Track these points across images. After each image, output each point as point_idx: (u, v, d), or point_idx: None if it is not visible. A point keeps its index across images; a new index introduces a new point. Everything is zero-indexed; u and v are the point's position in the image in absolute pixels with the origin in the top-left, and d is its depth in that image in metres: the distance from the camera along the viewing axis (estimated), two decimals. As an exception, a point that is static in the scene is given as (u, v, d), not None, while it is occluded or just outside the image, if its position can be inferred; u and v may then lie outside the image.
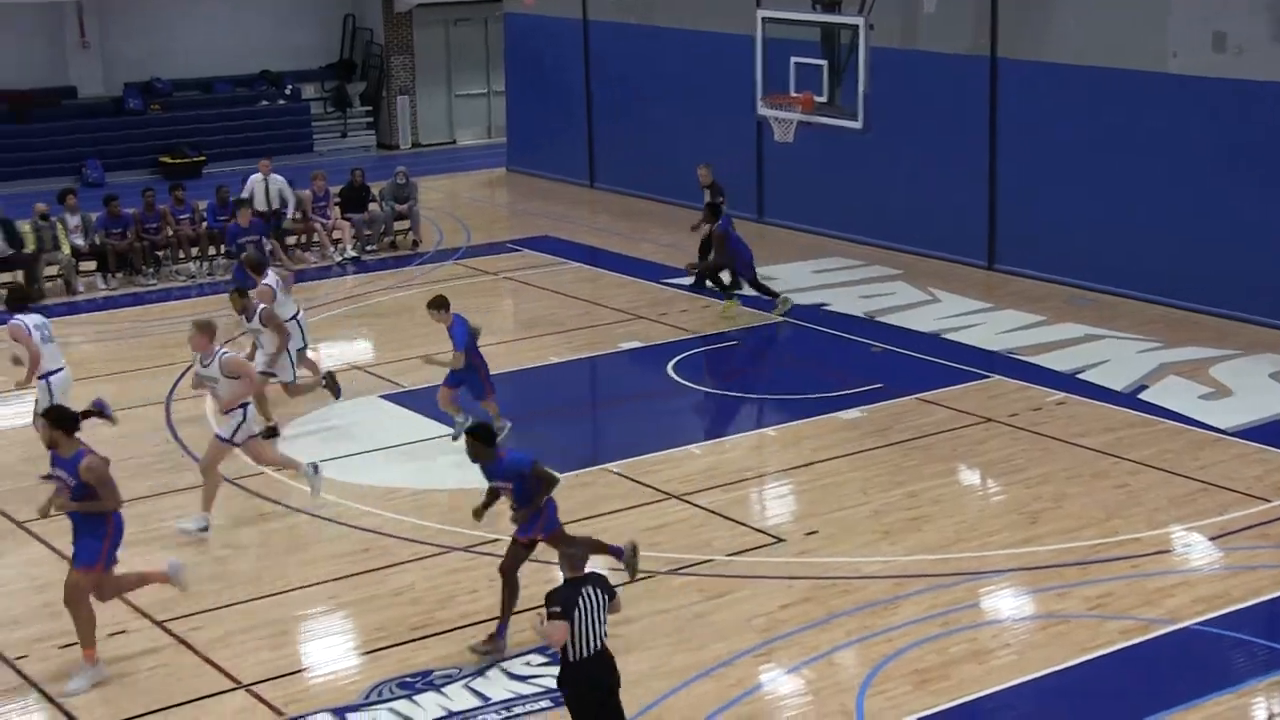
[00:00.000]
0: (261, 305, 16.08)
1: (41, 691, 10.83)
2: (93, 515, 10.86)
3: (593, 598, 9.01)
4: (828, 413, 16.58)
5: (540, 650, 11.20)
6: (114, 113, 33.33)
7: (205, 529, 13.53)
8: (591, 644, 8.99)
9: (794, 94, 20.90)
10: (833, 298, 21.29)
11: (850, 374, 17.95)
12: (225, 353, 13.92)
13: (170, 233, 23.74)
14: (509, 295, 22.38)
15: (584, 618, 8.93)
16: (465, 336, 15.21)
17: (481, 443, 11.17)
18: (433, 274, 23.41)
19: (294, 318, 16.96)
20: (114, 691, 10.81)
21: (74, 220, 23.06)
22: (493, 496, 11.54)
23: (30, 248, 22.51)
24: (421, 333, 19.70)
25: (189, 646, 11.47)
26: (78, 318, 21.49)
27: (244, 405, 13.79)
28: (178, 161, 32.08)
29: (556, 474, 11.53)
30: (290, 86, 35.57)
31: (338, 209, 24.98)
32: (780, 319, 20.20)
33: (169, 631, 11.72)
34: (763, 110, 21.27)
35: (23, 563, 13.14)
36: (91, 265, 23.18)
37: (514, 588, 11.27)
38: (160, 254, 23.71)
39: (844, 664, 11.07)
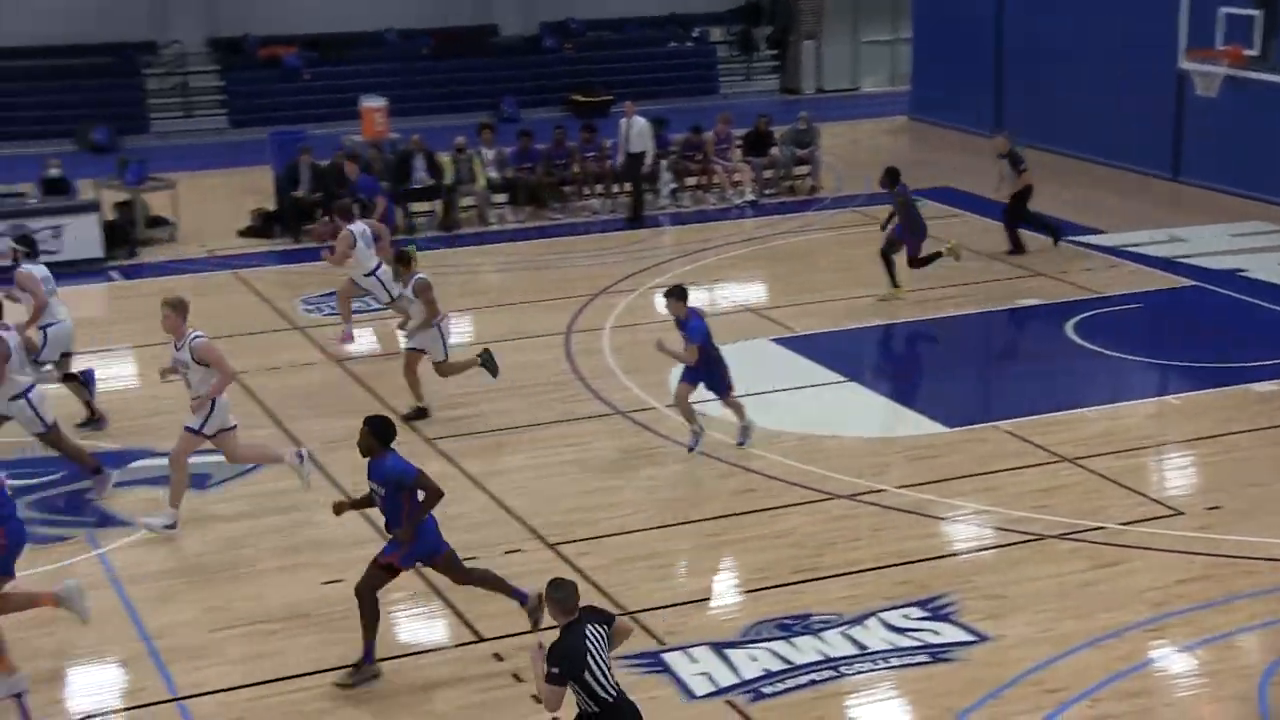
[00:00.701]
0: (417, 275, 14.99)
1: (444, 599, 11.42)
2: None
3: (596, 634, 8.20)
4: (1238, 383, 15.71)
5: (920, 603, 11.09)
6: (530, 51, 34.55)
7: (173, 525, 12.58)
8: (612, 681, 8.17)
9: (1220, 47, 19.79)
10: (1251, 263, 20.14)
11: (1266, 344, 16.97)
12: (198, 336, 12.52)
13: (577, 169, 24.50)
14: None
15: (597, 658, 8.12)
16: (703, 330, 13.81)
17: (374, 436, 10.15)
18: (831, 220, 23.35)
19: (374, 273, 17.09)
20: (503, 606, 11.25)
21: (489, 154, 24.04)
22: (366, 501, 10.54)
23: (448, 179, 23.62)
24: (819, 279, 19.74)
25: (578, 570, 11.85)
26: (487, 248, 22.48)
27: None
28: (587, 100, 32.99)
29: (440, 491, 10.28)
30: (698, 29, 36.03)
31: (739, 151, 25.20)
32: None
33: (560, 554, 12.15)
34: (1185, 63, 20.25)
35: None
36: (503, 198, 24.14)
37: (372, 609, 10.25)
38: (567, 189, 24.52)
39: (1245, 649, 10.51)
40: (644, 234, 22.91)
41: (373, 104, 25.08)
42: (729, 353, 16.78)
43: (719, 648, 10.62)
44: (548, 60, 34.42)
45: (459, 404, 15.53)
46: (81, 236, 21.38)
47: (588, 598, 11.29)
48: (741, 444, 14.18)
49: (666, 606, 11.31)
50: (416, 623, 11.24)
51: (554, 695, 8.12)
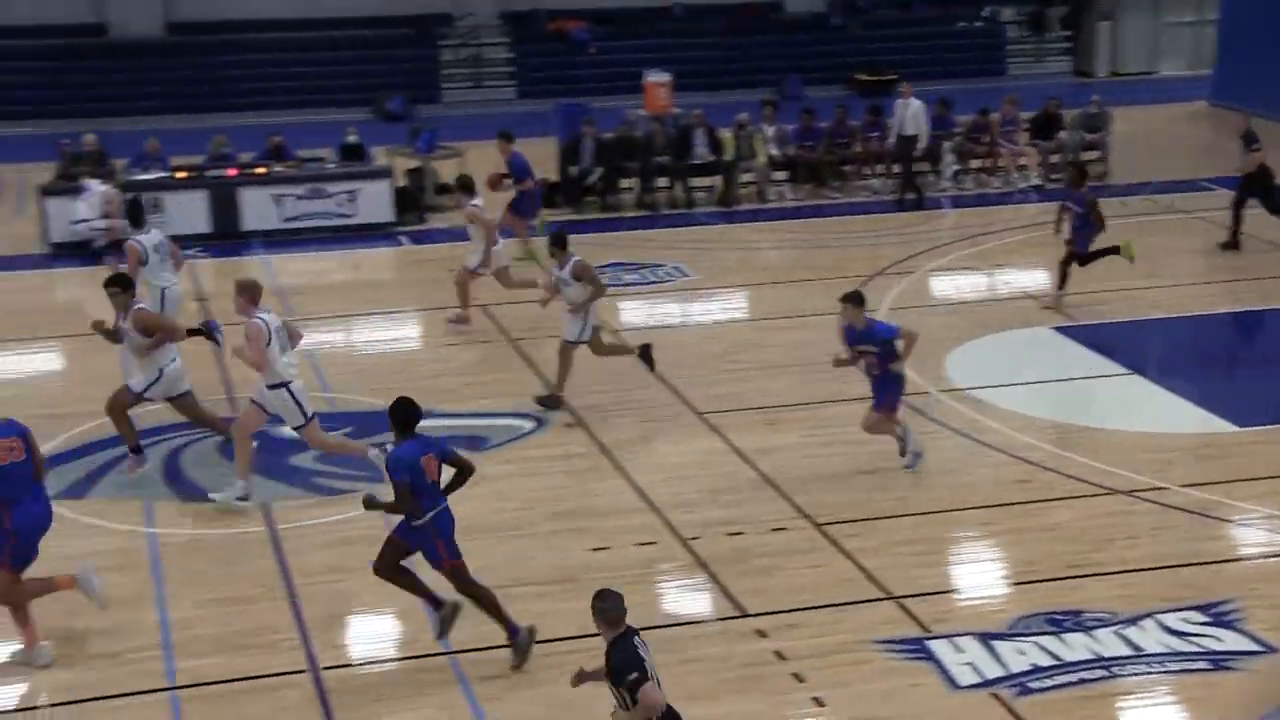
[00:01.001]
0: (576, 257, 14.46)
1: (709, 572, 11.46)
2: None
3: (644, 644, 8.00)
4: None
5: (1201, 608, 10.64)
6: (817, 28, 34.34)
7: (245, 498, 12.68)
8: (662, 691, 7.92)
9: None
10: None
11: None
12: (254, 320, 12.41)
13: (859, 149, 24.27)
14: (1197, 235, 21.24)
15: (652, 667, 7.88)
16: (892, 331, 13.02)
17: (391, 419, 10.09)
18: (1119, 207, 22.55)
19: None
20: (767, 583, 11.24)
21: (771, 131, 23.98)
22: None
23: (729, 155, 23.66)
24: (1103, 267, 19.10)
25: (844, 552, 11.75)
26: (765, 224, 22.46)
27: (284, 384, 12.53)
28: (870, 79, 32.63)
29: (403, 510, 10.01)
30: (988, 9, 35.28)
31: (1026, 134, 24.59)
32: None
33: (826, 534, 12.07)
34: None
35: (701, 451, 13.91)
36: (783, 175, 24.07)
37: (482, 593, 10.27)
38: (847, 168, 24.31)
39: None
40: (923, 216, 22.57)
41: (657, 78, 25.28)
42: (1008, 340, 16.42)
43: (986, 638, 10.40)
44: (833, 38, 34.14)
45: (734, 379, 15.56)
46: (374, 201, 22.22)
47: (854, 580, 11.27)
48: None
49: (934, 593, 11.13)
50: (682, 595, 11.29)
51: (652, 693, 7.80)
